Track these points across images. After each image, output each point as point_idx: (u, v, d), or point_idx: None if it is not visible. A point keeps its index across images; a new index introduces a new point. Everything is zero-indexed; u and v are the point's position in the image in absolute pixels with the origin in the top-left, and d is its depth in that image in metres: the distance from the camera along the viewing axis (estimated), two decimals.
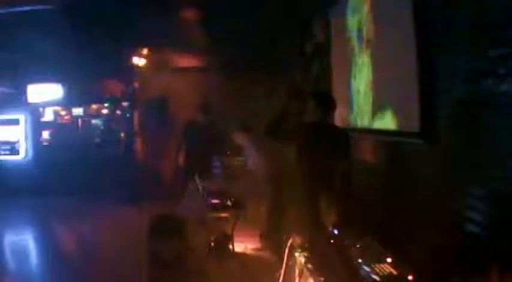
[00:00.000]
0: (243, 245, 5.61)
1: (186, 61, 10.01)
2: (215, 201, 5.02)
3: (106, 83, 10.48)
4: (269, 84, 9.30)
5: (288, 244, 3.61)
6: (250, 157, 5.81)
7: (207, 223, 5.35)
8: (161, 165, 9.40)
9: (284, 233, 5.03)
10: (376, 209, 4.74)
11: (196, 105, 7.19)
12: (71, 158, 10.12)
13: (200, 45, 9.20)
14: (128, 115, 10.62)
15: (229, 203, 4.99)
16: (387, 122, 4.75)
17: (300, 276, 3.16)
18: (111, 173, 9.57)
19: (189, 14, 8.28)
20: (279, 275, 3.52)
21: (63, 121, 10.88)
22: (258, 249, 5.49)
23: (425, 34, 3.88)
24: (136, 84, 10.16)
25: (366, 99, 5.50)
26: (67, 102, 10.71)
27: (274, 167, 5.57)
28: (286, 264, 3.46)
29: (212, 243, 5.33)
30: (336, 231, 3.36)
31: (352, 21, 5.91)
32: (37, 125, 10.74)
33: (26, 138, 10.65)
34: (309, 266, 2.95)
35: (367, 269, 2.55)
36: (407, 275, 2.40)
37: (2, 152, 10.64)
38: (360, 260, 2.66)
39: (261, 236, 5.45)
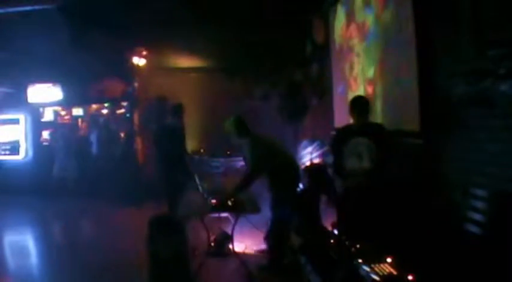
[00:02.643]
0: (243, 245, 5.61)
1: (186, 61, 10.03)
2: (215, 201, 5.01)
3: (106, 83, 10.48)
4: (268, 85, 9.33)
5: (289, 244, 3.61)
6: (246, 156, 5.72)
7: (207, 223, 5.35)
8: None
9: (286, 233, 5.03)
10: (375, 209, 4.73)
11: (193, 107, 7.21)
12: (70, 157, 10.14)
13: (200, 46, 9.22)
14: (127, 115, 10.63)
15: (229, 203, 4.98)
16: (385, 121, 4.76)
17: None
18: (111, 173, 9.57)
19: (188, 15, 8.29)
20: None
21: (63, 121, 10.89)
22: (261, 251, 5.44)
23: (426, 34, 3.89)
24: (136, 84, 10.17)
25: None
26: (67, 102, 10.72)
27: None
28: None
29: (212, 243, 5.32)
30: (335, 231, 3.37)
31: (351, 21, 5.92)
32: (37, 125, 10.74)
33: (26, 138, 10.66)
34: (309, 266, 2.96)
35: (367, 269, 2.55)
36: (407, 275, 2.40)
37: (2, 152, 10.65)
38: (359, 260, 2.66)
39: (265, 239, 5.39)
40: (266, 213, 5.30)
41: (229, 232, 5.31)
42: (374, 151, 4.03)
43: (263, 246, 5.39)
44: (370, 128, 4.26)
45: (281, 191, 5.12)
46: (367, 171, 4.03)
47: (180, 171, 6.56)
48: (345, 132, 4.45)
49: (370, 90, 5.37)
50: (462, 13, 3.34)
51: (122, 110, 10.68)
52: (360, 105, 4.30)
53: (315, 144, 7.60)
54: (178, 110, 6.85)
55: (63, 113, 10.92)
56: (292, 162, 5.40)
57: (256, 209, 5.01)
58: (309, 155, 7.69)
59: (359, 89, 5.75)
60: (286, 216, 5.00)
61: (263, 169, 5.05)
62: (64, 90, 10.58)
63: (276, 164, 5.07)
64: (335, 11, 6.69)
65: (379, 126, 4.45)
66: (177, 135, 6.82)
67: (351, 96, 6.07)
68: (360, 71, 5.73)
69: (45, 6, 7.47)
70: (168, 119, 7.06)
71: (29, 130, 10.70)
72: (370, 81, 5.34)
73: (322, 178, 5.78)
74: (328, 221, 4.90)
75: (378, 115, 5.05)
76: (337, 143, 4.46)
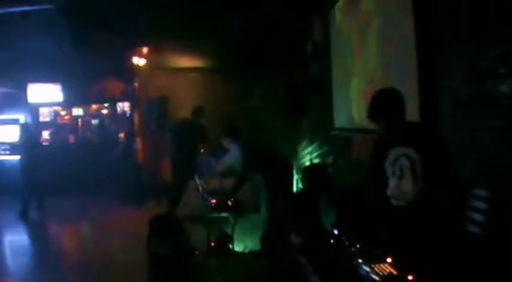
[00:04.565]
0: (243, 245, 5.61)
1: (186, 61, 10.03)
2: (215, 201, 5.02)
3: (106, 83, 10.49)
4: (268, 85, 9.33)
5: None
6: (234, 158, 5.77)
7: (207, 223, 5.36)
8: (160, 164, 9.41)
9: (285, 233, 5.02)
10: (375, 208, 4.74)
11: (191, 108, 7.50)
12: (70, 158, 10.14)
13: (200, 46, 9.22)
14: (127, 115, 10.64)
15: (229, 203, 4.99)
16: None
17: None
18: (111, 173, 9.58)
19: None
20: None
21: (63, 121, 10.90)
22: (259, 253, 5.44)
23: (425, 33, 3.89)
24: (136, 84, 10.18)
25: (364, 99, 5.50)
26: (67, 102, 10.73)
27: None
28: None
29: (212, 243, 5.33)
30: (335, 231, 3.36)
31: (352, 21, 5.92)
32: (37, 125, 10.74)
33: None
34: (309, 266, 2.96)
35: (367, 269, 2.55)
36: (407, 275, 2.40)
37: (2, 152, 10.64)
38: (360, 260, 2.66)
39: (262, 239, 5.41)
40: (265, 213, 5.32)
41: (229, 232, 5.32)
42: (420, 168, 2.68)
43: (260, 246, 5.41)
44: (412, 131, 2.88)
45: (276, 190, 5.19)
46: (409, 199, 2.72)
47: (188, 170, 6.71)
48: (385, 141, 3.01)
49: (368, 89, 5.37)
50: (462, 12, 3.34)
51: (122, 110, 10.71)
52: (391, 101, 2.88)
53: (315, 144, 7.60)
54: (199, 111, 7.44)
55: (63, 113, 10.93)
56: (285, 161, 5.50)
57: (256, 209, 5.04)
58: (309, 155, 7.69)
59: (358, 88, 5.75)
60: (282, 215, 5.03)
61: (253, 169, 5.29)
62: (64, 90, 10.59)
63: (270, 164, 5.19)
64: (335, 11, 6.69)
65: (424, 128, 3.10)
66: (195, 133, 7.29)
67: (352, 93, 6.08)
68: (359, 70, 5.73)
69: (45, 6, 7.48)
70: (189, 117, 7.49)
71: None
72: (369, 81, 5.34)
73: (322, 178, 5.79)
74: (328, 221, 4.90)
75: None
76: (377, 157, 3.03)
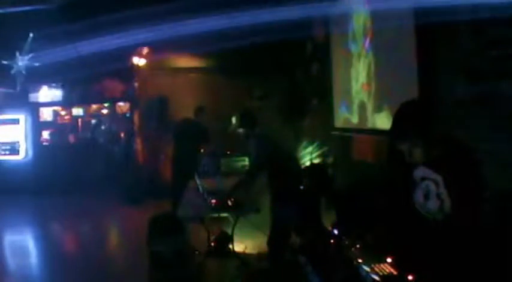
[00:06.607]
0: (243, 245, 5.61)
1: (186, 61, 10.03)
2: (215, 201, 5.01)
3: (106, 83, 10.49)
4: (268, 85, 9.34)
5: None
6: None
7: (207, 223, 5.35)
8: (160, 164, 9.41)
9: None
10: (374, 208, 4.74)
11: (193, 107, 7.49)
12: (70, 158, 10.15)
13: (200, 45, 9.21)
14: (127, 115, 10.64)
15: (229, 203, 4.98)
16: (385, 121, 4.76)
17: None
18: (111, 173, 9.58)
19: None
20: None
21: (63, 121, 10.90)
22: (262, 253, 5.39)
23: (425, 34, 3.89)
24: (136, 84, 10.17)
25: (364, 99, 5.50)
26: (67, 102, 10.73)
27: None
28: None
29: (212, 243, 5.33)
30: (336, 231, 3.37)
31: (352, 21, 5.92)
32: (37, 125, 10.74)
33: (26, 138, 10.66)
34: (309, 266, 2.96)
35: (367, 269, 2.55)
36: (407, 275, 2.40)
37: (2, 152, 10.65)
38: (359, 260, 2.66)
39: (269, 243, 5.32)
40: (267, 213, 5.29)
41: (229, 232, 5.32)
42: (446, 198, 2.32)
43: (266, 249, 5.35)
44: (441, 154, 2.36)
45: (284, 188, 5.12)
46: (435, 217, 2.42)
47: (189, 170, 6.69)
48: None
49: (367, 89, 5.37)
50: (462, 13, 3.34)
51: (122, 110, 10.71)
52: (419, 116, 2.42)
53: (315, 144, 7.61)
54: (201, 111, 7.43)
55: (63, 113, 10.93)
56: (295, 159, 5.47)
57: (256, 209, 5.02)
58: (309, 155, 7.70)
59: (357, 88, 5.75)
60: (289, 215, 5.00)
61: (264, 166, 4.93)
62: (64, 90, 10.59)
63: (280, 161, 5.07)
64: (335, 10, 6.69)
65: (456, 152, 2.39)
66: (197, 133, 7.25)
67: (352, 93, 6.08)
68: (358, 70, 5.73)
69: (45, 6, 7.48)
70: (191, 117, 7.48)
71: (29, 130, 10.71)
72: (368, 81, 5.34)
73: (322, 178, 5.79)
74: (328, 221, 4.90)
75: (375, 115, 5.06)
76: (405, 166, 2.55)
